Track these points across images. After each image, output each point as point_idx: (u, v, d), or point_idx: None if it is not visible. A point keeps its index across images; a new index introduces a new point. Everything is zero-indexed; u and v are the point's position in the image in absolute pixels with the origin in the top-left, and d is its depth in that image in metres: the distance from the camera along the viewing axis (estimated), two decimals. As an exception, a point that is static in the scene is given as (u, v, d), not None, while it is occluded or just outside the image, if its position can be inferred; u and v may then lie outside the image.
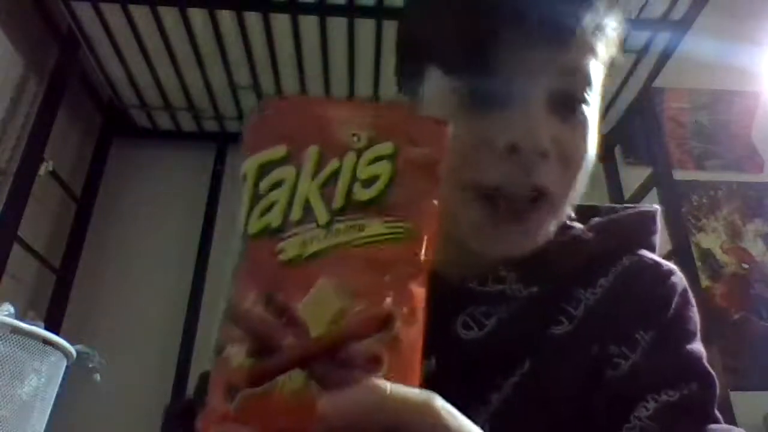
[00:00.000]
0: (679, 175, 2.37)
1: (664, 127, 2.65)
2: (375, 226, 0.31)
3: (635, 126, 2.42)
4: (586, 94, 0.50)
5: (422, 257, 0.31)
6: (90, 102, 2.34)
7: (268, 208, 0.32)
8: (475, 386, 0.48)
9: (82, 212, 2.26)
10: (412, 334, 0.30)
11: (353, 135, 0.32)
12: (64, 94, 2.01)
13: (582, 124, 0.51)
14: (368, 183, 0.32)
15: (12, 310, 1.31)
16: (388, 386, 0.28)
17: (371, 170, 0.32)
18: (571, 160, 0.51)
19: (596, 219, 0.58)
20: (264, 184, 0.33)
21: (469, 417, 0.43)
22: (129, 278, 2.23)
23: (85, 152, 2.36)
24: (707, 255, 2.46)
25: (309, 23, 1.96)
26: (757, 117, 2.76)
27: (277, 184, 0.32)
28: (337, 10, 1.91)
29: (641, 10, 1.93)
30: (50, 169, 1.94)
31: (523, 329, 0.51)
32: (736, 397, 1.80)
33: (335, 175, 0.32)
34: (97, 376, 1.42)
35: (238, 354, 0.30)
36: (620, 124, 2.44)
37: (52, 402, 1.35)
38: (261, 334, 0.30)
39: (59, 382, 1.36)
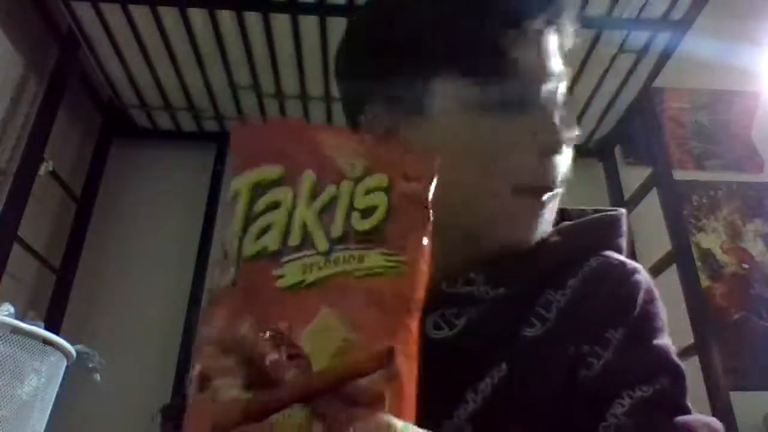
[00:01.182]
0: (679, 175, 2.37)
1: (664, 127, 2.65)
2: (374, 258, 0.31)
3: (635, 126, 2.42)
4: (566, 93, 0.54)
5: (419, 293, 0.31)
6: (90, 102, 2.34)
7: (264, 230, 0.31)
8: (449, 385, 0.49)
9: (82, 212, 2.26)
10: (411, 369, 0.30)
11: (349, 163, 0.32)
12: (64, 94, 2.01)
13: (570, 120, 0.53)
14: (366, 213, 0.31)
15: (12, 310, 1.31)
16: (398, 424, 0.28)
17: (368, 201, 0.32)
18: (565, 155, 0.54)
19: (565, 223, 0.59)
20: (259, 205, 0.32)
21: (447, 415, 0.47)
22: (129, 278, 2.23)
23: (85, 152, 2.36)
24: (707, 255, 2.46)
25: (309, 23, 1.96)
26: (757, 117, 2.76)
27: (272, 206, 0.32)
28: (337, 10, 1.91)
29: (641, 10, 1.93)
30: (50, 169, 1.94)
31: (493, 330, 0.52)
32: (736, 397, 1.80)
33: (333, 202, 0.32)
34: (97, 376, 1.42)
35: (230, 387, 0.28)
36: (620, 124, 2.44)
37: (52, 402, 1.35)
38: (260, 366, 0.28)
39: (59, 382, 1.36)
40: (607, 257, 0.55)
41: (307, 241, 0.31)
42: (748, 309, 2.36)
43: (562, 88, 0.53)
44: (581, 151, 2.37)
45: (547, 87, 0.51)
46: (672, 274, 2.01)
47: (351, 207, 0.32)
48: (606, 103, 2.32)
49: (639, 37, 2.03)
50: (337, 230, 0.31)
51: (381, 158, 0.33)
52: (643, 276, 0.56)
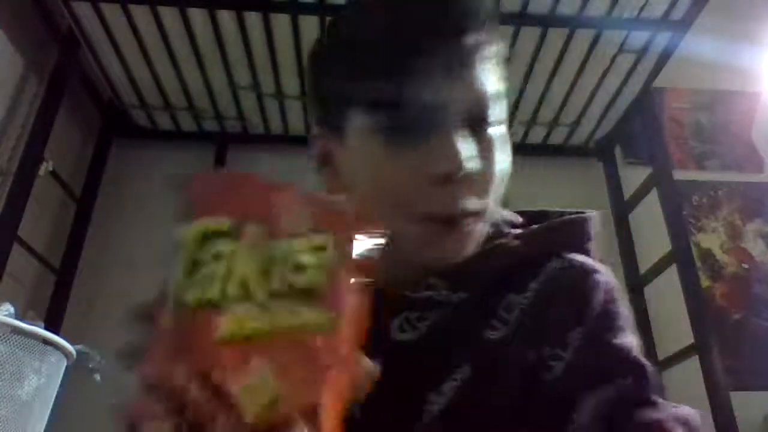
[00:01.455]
0: (679, 175, 2.37)
1: (664, 127, 2.65)
2: (309, 314, 0.32)
3: (635, 126, 2.42)
4: (490, 114, 0.53)
5: (349, 350, 0.32)
6: (90, 102, 2.34)
7: (206, 280, 0.32)
8: (415, 385, 0.51)
9: (82, 212, 2.26)
10: (333, 425, 0.30)
11: (295, 221, 0.33)
12: (64, 94, 2.00)
13: (492, 140, 0.53)
14: (304, 270, 0.32)
15: (12, 310, 1.31)
16: None
17: (307, 258, 0.33)
18: (487, 175, 0.53)
19: (533, 226, 0.60)
20: (203, 254, 0.33)
21: (413, 414, 0.49)
22: (129, 278, 2.23)
23: (85, 152, 2.36)
24: (707, 255, 2.46)
25: (309, 23, 1.96)
26: (757, 117, 2.76)
27: (216, 257, 0.33)
28: (338, 11, 1.91)
29: (641, 10, 1.93)
30: (50, 169, 1.94)
31: (456, 333, 0.53)
32: (736, 397, 1.80)
33: (274, 257, 0.33)
34: (97, 376, 1.42)
35: None
36: (620, 124, 2.44)
37: (52, 402, 1.35)
38: (193, 414, 0.29)
39: (59, 382, 1.36)
40: (570, 259, 0.55)
41: (246, 293, 0.32)
42: (748, 309, 2.36)
43: (479, 112, 0.52)
44: (581, 151, 2.37)
45: (446, 115, 0.50)
46: (672, 274, 2.01)
47: (290, 263, 0.33)
48: (606, 103, 2.32)
49: (639, 37, 2.03)
50: (275, 285, 0.32)
51: (326, 219, 0.34)
52: (604, 276, 0.55)
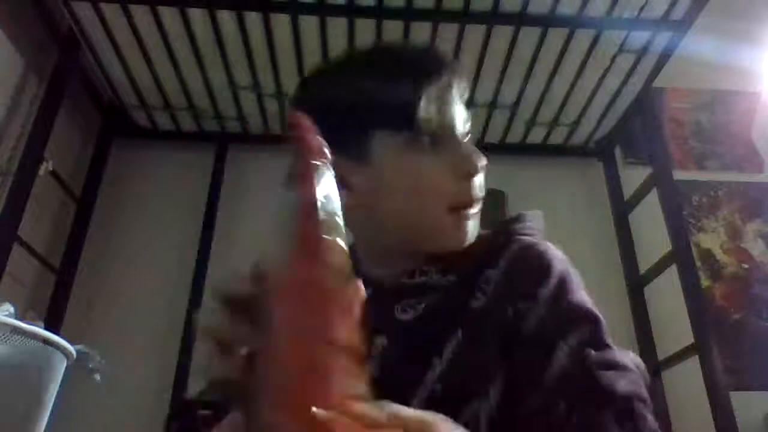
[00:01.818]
0: (679, 175, 2.37)
1: (664, 127, 2.65)
2: None
3: (635, 126, 2.42)
4: (469, 129, 0.69)
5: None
6: (90, 102, 2.34)
7: None
8: (417, 353, 0.63)
9: (82, 212, 2.26)
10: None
11: None
12: (64, 95, 2.01)
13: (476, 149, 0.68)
14: None
15: (12, 310, 1.31)
16: None
17: None
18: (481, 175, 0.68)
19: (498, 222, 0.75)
20: None
21: (418, 377, 0.61)
22: (129, 278, 2.23)
23: (85, 152, 2.36)
24: (707, 255, 2.46)
25: (309, 23, 1.96)
26: (757, 117, 2.76)
27: None
28: (337, 10, 1.91)
29: (641, 10, 1.93)
30: (50, 169, 1.94)
31: (449, 308, 0.65)
32: (736, 397, 1.79)
33: None
34: (97, 376, 1.42)
35: None
36: (620, 124, 2.44)
37: (52, 402, 1.35)
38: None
39: (59, 382, 1.36)
40: (524, 240, 0.69)
41: None
42: (748, 309, 2.36)
43: (467, 126, 0.68)
44: (581, 151, 2.37)
45: (459, 127, 0.67)
46: (672, 274, 2.01)
47: None
48: (606, 103, 2.32)
49: (639, 37, 2.03)
50: None
51: None
52: (556, 251, 0.68)
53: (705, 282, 2.36)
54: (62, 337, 1.32)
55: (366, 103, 0.66)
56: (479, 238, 0.70)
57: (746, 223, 2.54)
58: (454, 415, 0.53)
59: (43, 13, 1.96)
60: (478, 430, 0.58)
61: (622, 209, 2.42)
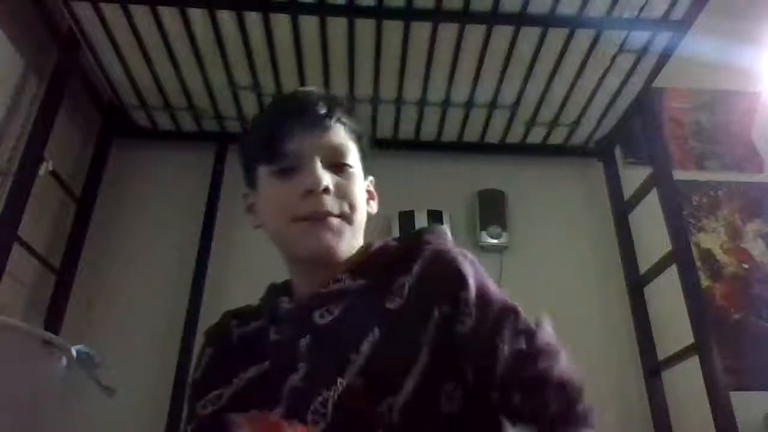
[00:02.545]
0: (679, 175, 2.37)
1: (664, 127, 2.65)
2: None
3: (635, 126, 2.42)
4: (346, 160, 0.81)
5: None
6: (90, 102, 2.34)
7: None
8: (335, 352, 0.71)
9: (82, 212, 2.26)
10: None
11: None
12: (64, 95, 2.01)
13: (349, 175, 0.81)
14: None
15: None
16: None
17: None
18: (346, 193, 0.80)
19: (404, 233, 0.89)
20: None
21: (338, 372, 0.69)
22: (129, 278, 2.23)
23: (85, 152, 2.36)
24: (707, 255, 2.46)
25: (309, 23, 1.96)
26: (757, 117, 2.76)
27: None
28: (337, 10, 1.91)
29: (641, 10, 1.93)
30: (50, 169, 1.94)
31: (363, 309, 0.75)
32: (736, 397, 1.79)
33: None
34: (97, 376, 1.42)
35: None
36: (620, 124, 2.44)
37: (52, 402, 1.35)
38: None
39: (59, 382, 1.36)
40: (437, 246, 0.79)
41: None
42: (748, 309, 2.36)
43: (337, 156, 0.81)
44: (581, 151, 2.37)
45: (309, 157, 0.79)
46: (672, 274, 2.01)
47: None
48: (606, 103, 2.32)
49: (639, 37, 2.03)
50: None
51: None
52: (463, 253, 0.78)
53: (705, 282, 2.36)
54: (62, 337, 1.32)
55: (251, 143, 0.86)
56: (385, 245, 0.83)
57: (746, 223, 2.54)
58: (371, 406, 0.66)
59: (43, 13, 1.96)
60: (390, 420, 0.66)
61: (622, 209, 2.42)
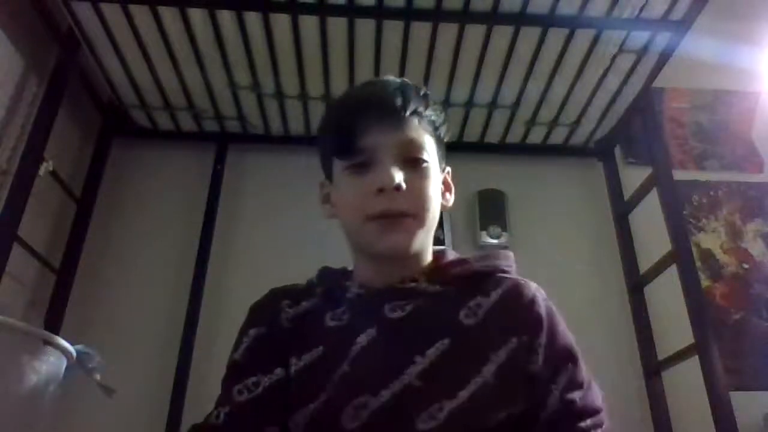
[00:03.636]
0: (679, 175, 2.37)
1: (664, 127, 2.65)
2: None
3: (635, 126, 2.42)
4: (420, 155, 0.81)
5: None
6: (90, 102, 2.34)
7: None
8: (402, 348, 0.74)
9: (82, 212, 2.26)
10: None
11: None
12: (64, 94, 2.00)
13: (423, 171, 0.81)
14: None
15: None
16: None
17: None
18: (419, 192, 0.80)
19: (475, 254, 0.90)
20: None
21: (399, 370, 0.71)
22: (129, 278, 2.23)
23: (85, 152, 2.36)
24: (707, 255, 2.46)
25: (309, 23, 1.96)
26: (757, 117, 2.76)
27: None
28: (337, 10, 1.91)
29: (641, 10, 1.93)
30: (50, 169, 1.94)
31: (433, 314, 0.77)
32: (736, 397, 1.79)
33: None
34: (97, 376, 1.42)
35: None
36: (620, 124, 2.44)
37: (52, 402, 1.35)
38: None
39: (59, 382, 1.36)
40: (515, 278, 0.83)
41: None
42: (748, 309, 2.36)
43: (411, 153, 0.81)
44: (581, 151, 2.36)
45: (383, 152, 0.79)
46: (672, 274, 2.01)
47: None
48: (606, 103, 2.32)
49: (639, 37, 2.03)
50: None
51: None
52: (542, 292, 0.83)
53: (705, 282, 2.36)
54: (62, 337, 1.32)
55: (326, 136, 0.86)
56: (460, 260, 0.86)
57: (746, 223, 2.54)
58: (419, 409, 0.69)
59: (43, 13, 1.96)
60: (437, 421, 0.69)
61: (622, 209, 2.42)
